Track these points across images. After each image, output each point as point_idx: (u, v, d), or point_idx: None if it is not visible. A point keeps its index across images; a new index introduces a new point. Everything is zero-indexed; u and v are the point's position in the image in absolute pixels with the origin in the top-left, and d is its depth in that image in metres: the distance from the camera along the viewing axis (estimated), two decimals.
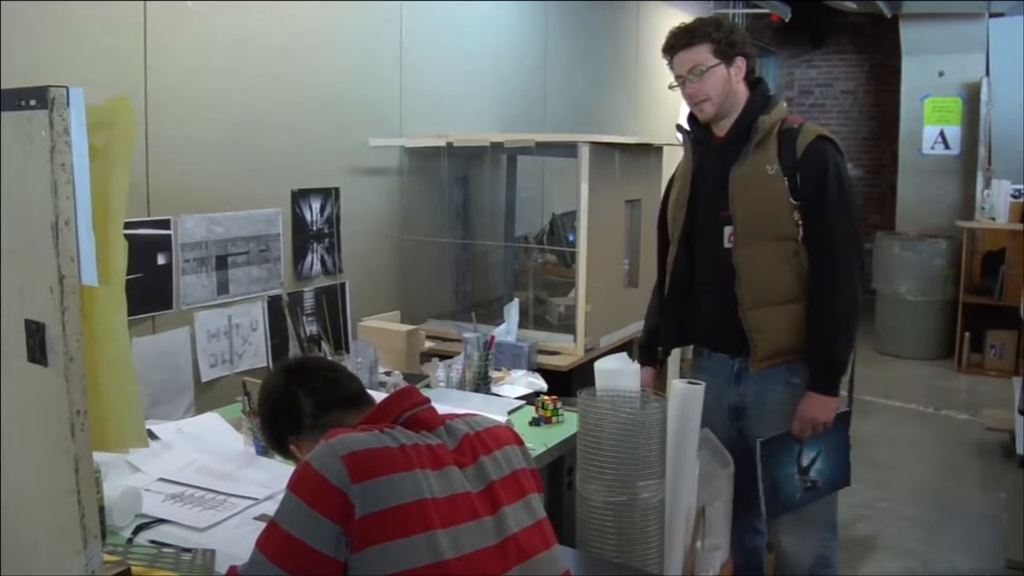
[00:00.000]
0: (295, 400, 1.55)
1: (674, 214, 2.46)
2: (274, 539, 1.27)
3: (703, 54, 2.27)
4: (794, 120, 2.30)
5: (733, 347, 2.34)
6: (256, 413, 1.67)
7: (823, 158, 2.23)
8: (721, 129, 2.35)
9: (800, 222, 2.23)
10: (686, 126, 2.46)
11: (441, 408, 1.51)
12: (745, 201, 2.26)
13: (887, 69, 7.96)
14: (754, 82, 2.34)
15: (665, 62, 2.37)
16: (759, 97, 2.32)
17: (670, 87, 2.37)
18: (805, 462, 2.33)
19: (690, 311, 2.44)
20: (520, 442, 1.53)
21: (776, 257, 2.26)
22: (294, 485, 1.29)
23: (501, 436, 1.50)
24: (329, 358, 2.58)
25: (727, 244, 2.29)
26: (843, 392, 2.36)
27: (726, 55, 2.27)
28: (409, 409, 1.43)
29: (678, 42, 2.31)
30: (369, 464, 1.27)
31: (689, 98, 2.33)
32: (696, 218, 2.40)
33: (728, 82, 2.28)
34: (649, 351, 2.58)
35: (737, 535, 2.46)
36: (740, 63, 2.29)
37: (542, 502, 1.50)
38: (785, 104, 2.36)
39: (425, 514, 1.28)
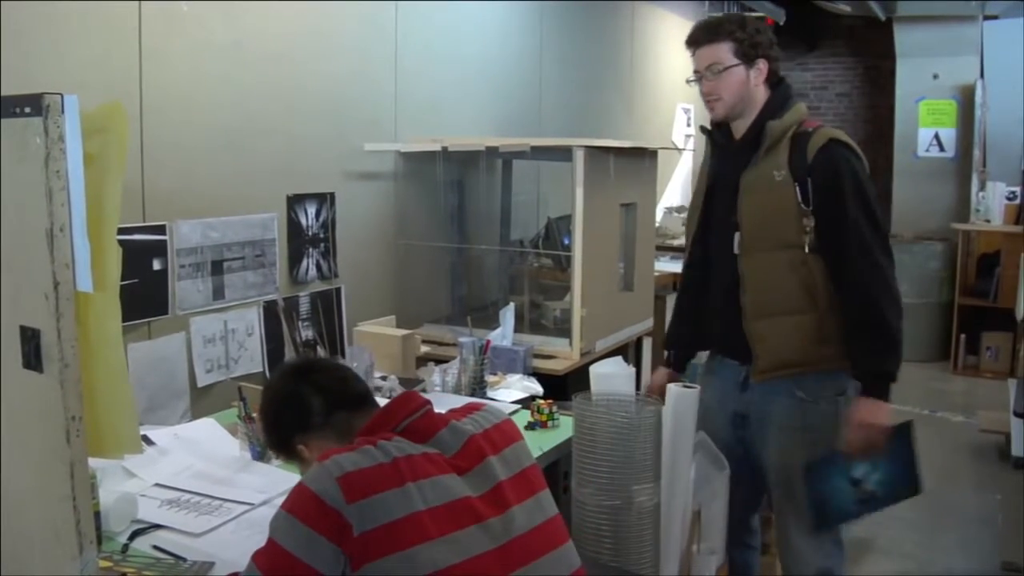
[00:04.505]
0: (303, 398, 1.53)
1: (691, 216, 2.46)
2: (272, 556, 1.28)
3: (723, 52, 2.23)
4: (810, 124, 2.24)
5: (742, 354, 2.29)
6: (259, 413, 1.63)
7: (835, 163, 2.17)
8: (738, 131, 2.31)
9: (808, 230, 2.18)
10: (709, 127, 2.41)
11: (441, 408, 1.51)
12: (751, 208, 2.23)
13: (882, 72, 7.97)
14: (775, 84, 2.30)
15: (690, 54, 2.32)
16: (776, 100, 2.27)
17: (688, 81, 2.34)
18: (858, 474, 2.21)
19: (705, 316, 2.41)
20: (521, 437, 1.55)
21: (782, 266, 2.20)
22: (290, 506, 1.30)
23: (509, 432, 1.52)
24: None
25: (736, 250, 2.26)
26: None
27: (747, 56, 2.24)
28: (407, 417, 1.44)
29: (700, 37, 2.27)
30: (363, 483, 1.29)
31: (703, 95, 2.30)
32: (711, 222, 2.38)
33: (745, 84, 2.25)
34: (668, 352, 2.57)
35: (729, 549, 2.41)
36: (762, 65, 2.25)
37: (551, 498, 1.51)
38: (804, 107, 2.30)
39: (420, 526, 1.29)
